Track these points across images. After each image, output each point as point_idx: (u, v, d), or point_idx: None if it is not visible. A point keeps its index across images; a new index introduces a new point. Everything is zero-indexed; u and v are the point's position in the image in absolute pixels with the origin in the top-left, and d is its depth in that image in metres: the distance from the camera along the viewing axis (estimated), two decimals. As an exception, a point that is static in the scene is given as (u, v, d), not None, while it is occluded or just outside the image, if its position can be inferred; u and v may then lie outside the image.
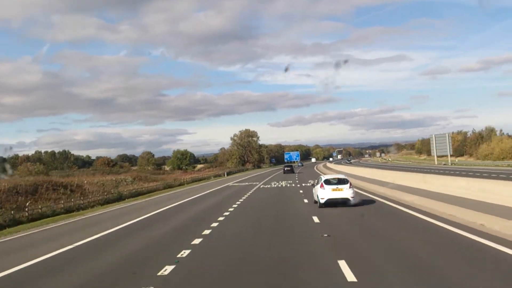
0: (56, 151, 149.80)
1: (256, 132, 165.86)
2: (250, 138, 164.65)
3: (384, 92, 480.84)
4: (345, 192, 21.53)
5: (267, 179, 59.84)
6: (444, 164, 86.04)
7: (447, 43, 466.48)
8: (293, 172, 75.98)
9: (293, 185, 42.77)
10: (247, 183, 49.97)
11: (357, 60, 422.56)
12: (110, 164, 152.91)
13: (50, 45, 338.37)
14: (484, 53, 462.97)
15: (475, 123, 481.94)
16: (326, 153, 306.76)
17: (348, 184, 22.08)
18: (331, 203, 21.30)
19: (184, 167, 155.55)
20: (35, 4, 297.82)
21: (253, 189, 39.30)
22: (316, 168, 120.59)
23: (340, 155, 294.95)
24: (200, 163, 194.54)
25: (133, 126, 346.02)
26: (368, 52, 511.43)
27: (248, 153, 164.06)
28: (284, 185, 43.24)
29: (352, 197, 21.64)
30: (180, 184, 63.48)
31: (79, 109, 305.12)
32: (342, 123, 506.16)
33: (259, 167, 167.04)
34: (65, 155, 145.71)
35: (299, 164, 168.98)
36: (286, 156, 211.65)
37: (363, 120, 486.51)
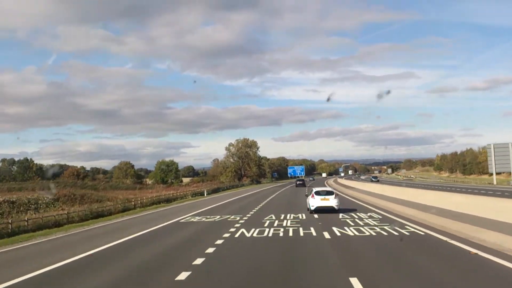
0: (19, 159, 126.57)
1: (255, 142, 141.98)
2: (249, 148, 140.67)
3: (389, 109, 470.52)
4: (331, 201, 26.95)
5: (261, 204, 36.27)
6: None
7: (453, 62, 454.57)
8: (305, 186, 74.90)
9: (312, 230, 18.56)
10: (218, 217, 25.87)
11: (364, 76, 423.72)
12: (80, 176, 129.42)
13: (55, 56, 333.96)
14: (490, 73, 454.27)
15: (480, 142, 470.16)
16: (332, 169, 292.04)
17: (334, 195, 27.58)
18: (320, 210, 26.44)
19: (170, 181, 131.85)
20: (41, 14, 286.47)
21: (216, 244, 15.31)
22: (327, 183, 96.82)
23: (351, 171, 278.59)
24: (199, 176, 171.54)
25: (136, 138, 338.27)
26: (375, 68, 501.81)
27: (246, 166, 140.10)
28: (289, 228, 19.17)
29: (336, 206, 26.91)
30: (124, 210, 39.75)
31: (83, 120, 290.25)
32: (347, 139, 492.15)
33: (258, 182, 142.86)
34: (26, 163, 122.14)
35: (311, 178, 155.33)
36: (289, 171, 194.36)
37: (368, 136, 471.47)
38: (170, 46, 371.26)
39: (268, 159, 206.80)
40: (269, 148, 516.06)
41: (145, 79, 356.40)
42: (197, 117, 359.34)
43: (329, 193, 27.92)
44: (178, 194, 62.98)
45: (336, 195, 28.27)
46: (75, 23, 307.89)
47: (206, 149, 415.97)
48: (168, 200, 53.94)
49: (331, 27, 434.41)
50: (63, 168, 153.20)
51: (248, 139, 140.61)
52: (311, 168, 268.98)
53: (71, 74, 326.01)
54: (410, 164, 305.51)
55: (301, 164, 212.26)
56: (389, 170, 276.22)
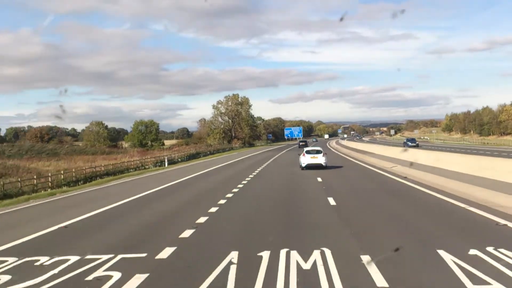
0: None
1: (247, 99, 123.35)
2: (239, 106, 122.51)
3: (387, 71, 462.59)
4: (319, 159, 30.66)
5: (232, 192, 19.39)
6: None
7: (452, 23, 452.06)
8: (307, 147, 70.25)
9: None
10: (70, 266, 8.75)
11: (362, 37, 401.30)
12: (44, 138, 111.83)
13: (51, 16, 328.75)
14: (488, 34, 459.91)
15: (476, 103, 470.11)
16: (330, 130, 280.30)
17: (322, 154, 31.16)
18: (310, 167, 30.07)
19: (149, 144, 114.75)
20: None
21: None
22: (329, 145, 79.98)
23: (353, 132, 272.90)
24: (185, 138, 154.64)
25: (133, 100, 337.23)
26: (374, 30, 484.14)
27: (237, 126, 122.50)
28: None
29: (324, 163, 30.58)
30: (7, 197, 22.85)
31: (80, 82, 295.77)
32: (344, 101, 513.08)
33: (251, 144, 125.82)
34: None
35: (314, 140, 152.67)
36: (286, 132, 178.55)
37: (365, 98, 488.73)
38: (167, 6, 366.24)
39: (263, 120, 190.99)
40: (266, 109, 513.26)
41: (142, 40, 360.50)
42: (194, 79, 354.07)
43: (318, 152, 31.74)
44: (132, 163, 45.74)
45: (324, 154, 31.88)
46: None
47: (203, 111, 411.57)
48: (109, 174, 36.93)
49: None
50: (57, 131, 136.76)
51: (239, 95, 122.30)
52: (309, 130, 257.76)
53: (67, 36, 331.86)
54: (413, 125, 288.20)
55: (299, 125, 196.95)
56: (392, 131, 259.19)
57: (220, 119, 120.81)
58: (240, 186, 22.02)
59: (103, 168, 38.03)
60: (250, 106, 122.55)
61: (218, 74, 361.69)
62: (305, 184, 22.29)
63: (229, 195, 18.34)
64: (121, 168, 40.96)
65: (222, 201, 16.43)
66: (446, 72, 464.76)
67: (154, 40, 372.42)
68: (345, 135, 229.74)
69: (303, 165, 30.47)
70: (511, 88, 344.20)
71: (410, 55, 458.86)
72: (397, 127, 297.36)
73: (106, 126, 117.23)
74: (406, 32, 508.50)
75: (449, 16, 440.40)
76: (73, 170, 34.47)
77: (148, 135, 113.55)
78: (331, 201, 15.64)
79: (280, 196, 18.19)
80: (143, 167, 44.73)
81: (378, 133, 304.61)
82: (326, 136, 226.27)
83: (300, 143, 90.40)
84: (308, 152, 31.67)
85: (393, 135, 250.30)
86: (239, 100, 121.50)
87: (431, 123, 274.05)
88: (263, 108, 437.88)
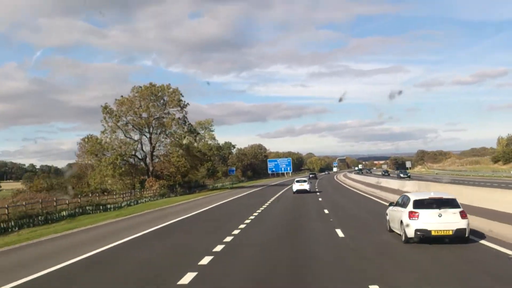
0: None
1: (177, 92, 58.35)
2: (162, 111, 58.62)
3: (376, 104, 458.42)
4: (305, 186, 43.93)
5: None
6: None
7: (441, 56, 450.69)
8: (316, 179, 77.33)
9: None
10: None
11: (353, 71, 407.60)
12: None
13: (37, 51, 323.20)
14: (477, 67, 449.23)
15: (464, 136, 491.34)
16: (323, 163, 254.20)
17: (306, 182, 45.00)
18: (299, 191, 42.85)
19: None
20: (21, 6, 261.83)
21: None
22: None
23: (361, 165, 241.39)
24: (49, 176, 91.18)
25: (122, 136, 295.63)
26: (365, 63, 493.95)
27: (159, 152, 59.43)
28: None
29: (308, 188, 43.83)
30: None
31: (66, 117, 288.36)
32: (332, 135, 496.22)
33: (192, 188, 63.06)
34: None
35: (326, 172, 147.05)
36: (270, 165, 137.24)
37: (353, 132, 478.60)
38: (155, 40, 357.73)
39: (234, 146, 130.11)
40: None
41: (130, 75, 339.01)
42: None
43: (304, 181, 45.64)
44: None
45: (309, 182, 46.67)
46: (56, 16, 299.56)
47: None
48: None
49: (321, 19, 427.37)
50: None
51: (156, 85, 57.68)
52: (299, 163, 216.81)
53: (54, 70, 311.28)
54: (432, 156, 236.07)
55: (286, 157, 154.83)
56: (408, 163, 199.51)
57: (121, 135, 57.20)
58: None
59: None
60: (183, 106, 58.47)
61: (207, 109, 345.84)
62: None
63: None
64: None
65: None
66: (434, 105, 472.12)
67: (143, 75, 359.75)
68: (355, 168, 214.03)
69: (294, 190, 43.62)
70: (499, 122, 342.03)
71: (399, 88, 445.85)
72: (400, 159, 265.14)
73: None
74: (395, 65, 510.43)
75: (438, 49, 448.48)
76: None
77: None
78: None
79: None
80: None
81: (384, 165, 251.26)
82: (335, 169, 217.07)
83: (310, 175, 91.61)
84: (297, 181, 45.42)
85: (410, 168, 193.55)
86: (161, 97, 57.52)
87: (440, 154, 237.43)
88: (252, 142, 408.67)
